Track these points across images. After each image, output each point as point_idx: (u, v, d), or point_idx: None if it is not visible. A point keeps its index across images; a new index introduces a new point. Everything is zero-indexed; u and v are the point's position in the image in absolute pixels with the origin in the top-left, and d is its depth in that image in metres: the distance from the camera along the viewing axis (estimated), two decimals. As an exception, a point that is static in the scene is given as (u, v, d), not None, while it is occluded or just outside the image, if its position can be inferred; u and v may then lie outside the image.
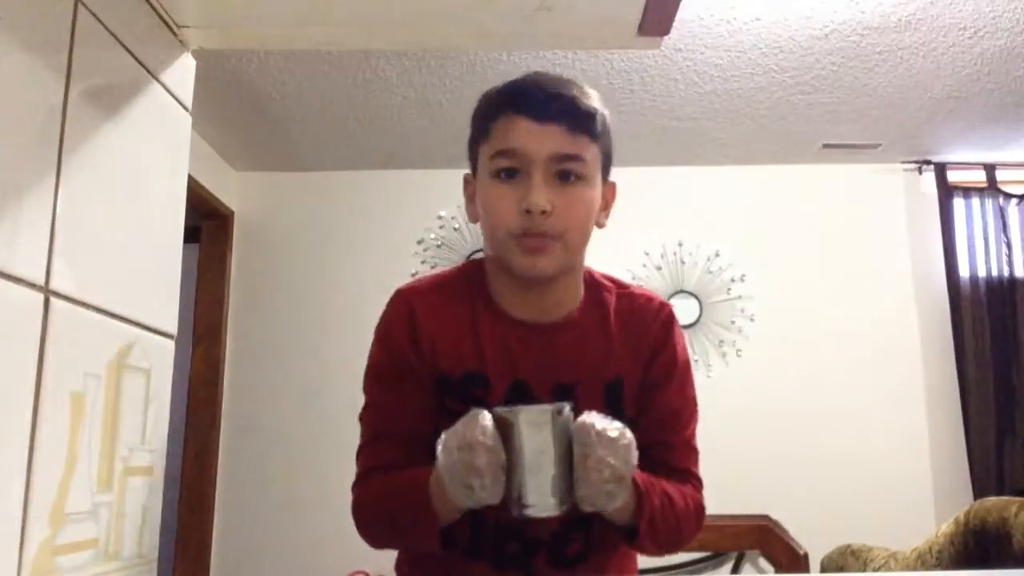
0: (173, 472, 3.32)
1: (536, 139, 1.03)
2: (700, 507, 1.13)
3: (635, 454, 0.90)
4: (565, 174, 1.04)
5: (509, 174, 1.04)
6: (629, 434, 0.90)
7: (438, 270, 1.22)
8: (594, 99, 1.07)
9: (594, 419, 0.89)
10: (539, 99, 1.03)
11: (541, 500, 0.87)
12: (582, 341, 1.11)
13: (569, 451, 0.88)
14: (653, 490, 1.02)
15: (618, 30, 0.78)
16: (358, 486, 1.10)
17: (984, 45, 2.78)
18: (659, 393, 1.13)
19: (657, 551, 1.07)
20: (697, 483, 1.14)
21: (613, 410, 1.01)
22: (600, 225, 1.12)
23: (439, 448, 0.90)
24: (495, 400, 1.06)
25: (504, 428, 0.87)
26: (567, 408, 0.89)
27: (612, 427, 0.89)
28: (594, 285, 1.16)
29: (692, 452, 1.16)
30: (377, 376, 1.13)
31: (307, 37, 0.91)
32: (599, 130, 1.06)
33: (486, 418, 0.88)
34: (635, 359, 1.12)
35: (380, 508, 1.07)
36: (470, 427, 0.87)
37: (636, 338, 1.13)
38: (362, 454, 1.12)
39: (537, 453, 0.87)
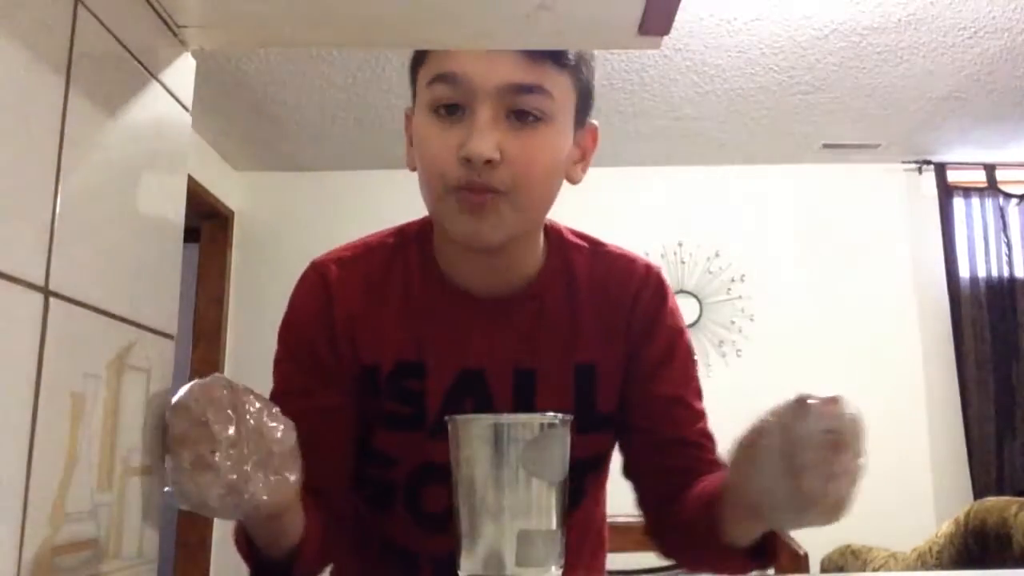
0: (173, 472, 3.32)
1: (483, 64, 0.79)
2: None
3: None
4: (521, 113, 0.80)
5: (450, 110, 0.81)
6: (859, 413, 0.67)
7: (369, 234, 0.98)
8: None
9: (816, 407, 0.68)
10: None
11: (518, 562, 0.55)
12: (544, 315, 0.89)
13: (563, 483, 0.59)
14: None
15: (618, 30, 0.78)
16: None
17: (984, 45, 2.78)
18: (660, 379, 0.90)
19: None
20: None
21: (584, 402, 0.86)
22: (573, 180, 0.89)
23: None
24: (436, 397, 0.86)
25: (461, 451, 0.59)
26: (562, 420, 0.60)
27: (838, 415, 0.67)
28: (561, 245, 0.93)
29: (713, 441, 0.93)
30: (288, 360, 0.93)
31: (307, 37, 0.91)
32: (572, 56, 0.83)
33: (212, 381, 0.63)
34: (611, 337, 0.89)
35: None
36: (195, 391, 0.63)
37: (612, 309, 0.90)
38: None
39: (514, 487, 0.57)
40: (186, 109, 0.85)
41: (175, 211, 0.83)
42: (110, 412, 0.67)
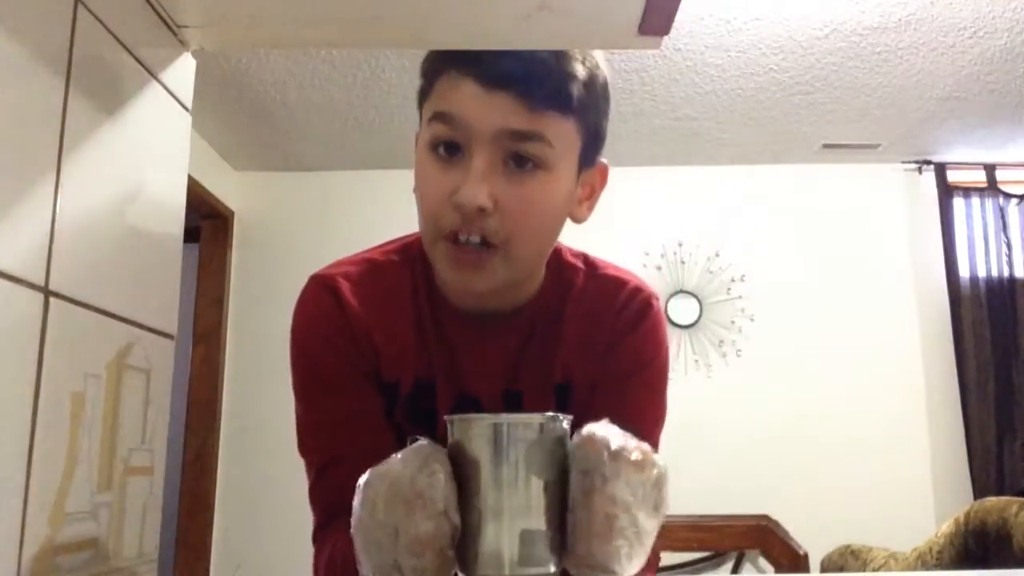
0: (173, 472, 3.32)
1: (482, 108, 0.76)
2: (658, 559, 0.85)
3: (667, 493, 0.58)
4: (520, 159, 0.77)
5: (449, 149, 0.79)
6: (661, 462, 0.58)
7: (367, 249, 0.96)
8: (575, 60, 0.80)
9: (607, 433, 0.57)
10: (492, 57, 0.76)
11: (519, 562, 0.55)
12: (532, 337, 0.87)
13: (563, 483, 0.57)
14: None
15: (618, 30, 0.78)
16: (316, 540, 0.85)
17: (984, 45, 2.78)
18: (612, 389, 0.86)
19: None
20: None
21: None
22: (578, 219, 0.86)
23: (356, 497, 0.57)
24: (443, 416, 0.84)
25: (461, 451, 0.57)
26: (563, 420, 0.58)
27: (632, 446, 0.57)
28: (559, 266, 0.90)
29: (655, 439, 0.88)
30: (308, 385, 0.87)
31: (307, 37, 0.91)
32: (577, 101, 0.79)
33: (437, 457, 0.56)
34: (587, 355, 0.86)
35: None
36: (409, 469, 0.55)
37: (592, 329, 0.87)
38: (312, 496, 0.86)
39: (514, 487, 0.55)
40: (186, 109, 0.85)
41: (175, 211, 0.83)
42: (110, 412, 0.67)
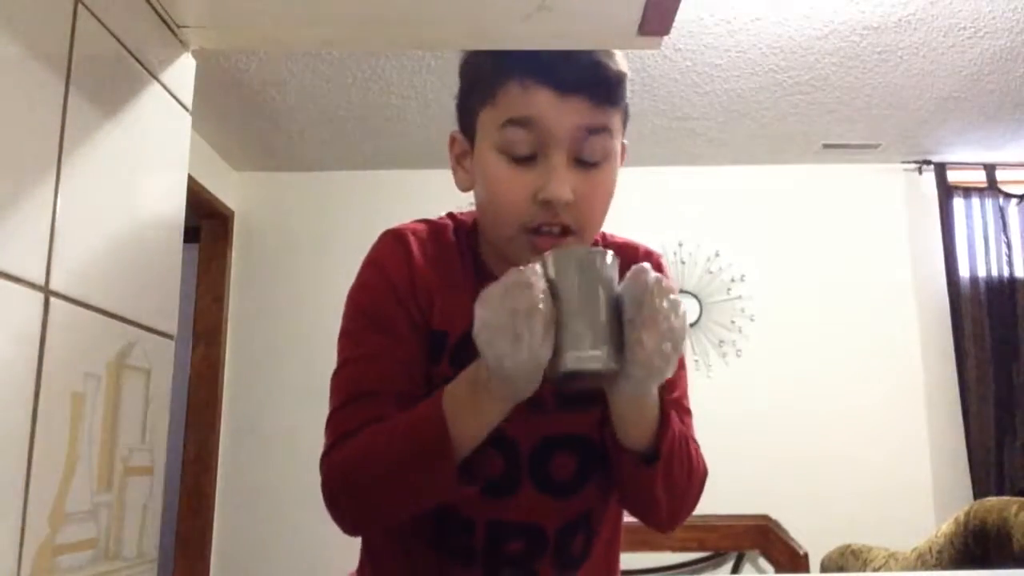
0: (173, 472, 3.33)
1: (559, 112, 0.85)
2: (705, 468, 0.96)
3: (686, 321, 0.75)
4: (588, 154, 0.88)
5: (521, 154, 0.87)
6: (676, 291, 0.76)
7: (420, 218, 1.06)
8: (619, 57, 0.90)
9: (649, 270, 0.74)
10: (560, 61, 0.85)
11: (585, 347, 0.72)
12: None
13: (616, 304, 0.74)
14: (671, 415, 0.87)
15: (618, 30, 0.78)
16: (331, 452, 0.91)
17: (984, 45, 2.78)
18: None
19: (667, 500, 0.89)
20: (696, 445, 0.96)
21: None
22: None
23: (477, 306, 0.73)
24: None
25: (554, 271, 0.75)
26: (611, 255, 0.76)
27: (667, 281, 0.75)
28: None
29: (687, 414, 0.98)
30: (364, 324, 0.95)
31: (307, 37, 0.91)
32: (625, 94, 0.91)
33: (531, 265, 0.74)
34: None
35: (371, 463, 0.87)
36: (514, 272, 0.73)
37: None
38: (337, 417, 0.93)
39: (586, 297, 0.73)
40: (186, 109, 0.85)
41: (175, 211, 0.83)
42: (110, 412, 0.67)
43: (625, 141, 0.97)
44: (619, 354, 0.73)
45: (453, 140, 0.97)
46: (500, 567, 0.94)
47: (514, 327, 0.70)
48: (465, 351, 0.90)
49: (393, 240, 0.98)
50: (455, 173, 0.98)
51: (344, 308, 0.98)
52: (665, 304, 0.72)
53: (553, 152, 0.86)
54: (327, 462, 0.92)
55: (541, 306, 0.71)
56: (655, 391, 0.82)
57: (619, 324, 0.74)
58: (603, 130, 0.88)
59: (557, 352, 0.72)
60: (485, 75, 0.90)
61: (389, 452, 0.85)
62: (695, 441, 0.95)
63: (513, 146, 0.87)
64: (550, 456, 0.93)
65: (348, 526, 0.92)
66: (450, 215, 1.04)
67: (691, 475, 0.92)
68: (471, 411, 0.80)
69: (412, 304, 0.93)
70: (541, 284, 0.72)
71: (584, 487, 0.95)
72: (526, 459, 0.93)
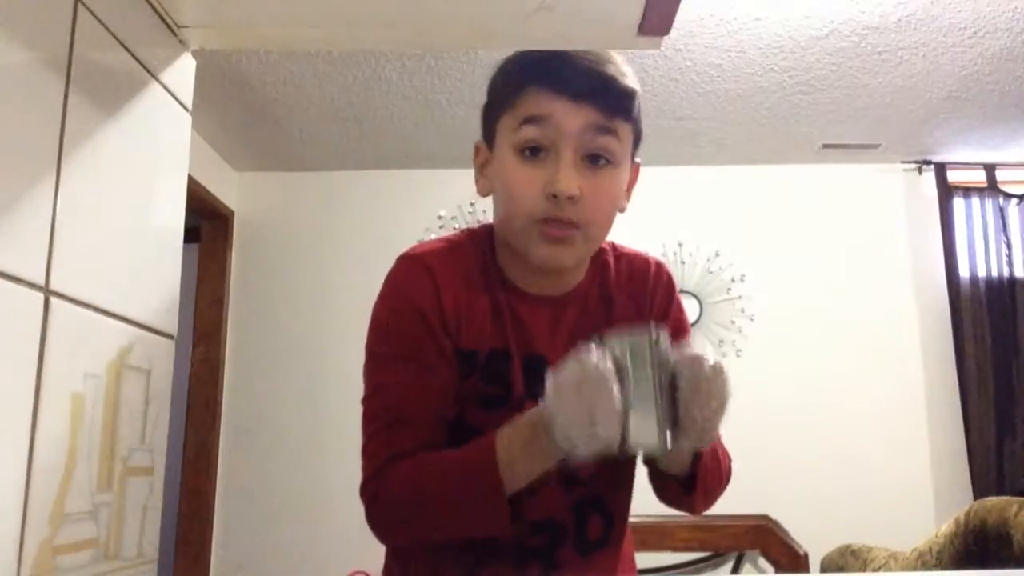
0: (173, 472, 3.33)
1: (571, 113, 0.94)
2: (729, 459, 1.06)
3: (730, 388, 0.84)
4: (595, 157, 0.96)
5: (534, 152, 0.96)
6: (725, 368, 0.84)
7: (436, 238, 1.10)
8: (631, 77, 0.99)
9: (695, 349, 0.83)
10: (575, 74, 0.95)
11: (648, 435, 0.80)
12: (587, 312, 1.05)
13: (672, 380, 0.81)
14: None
15: (618, 30, 0.78)
16: (380, 478, 0.94)
17: (984, 45, 2.78)
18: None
19: (703, 502, 1.00)
20: (719, 443, 1.04)
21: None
22: (622, 209, 1.04)
23: (549, 388, 0.81)
24: (517, 378, 1.00)
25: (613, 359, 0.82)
26: (663, 336, 0.82)
27: (712, 357, 0.83)
28: (598, 251, 1.09)
29: None
30: (394, 352, 0.99)
31: (307, 37, 0.91)
32: (635, 110, 1.00)
33: (600, 351, 0.81)
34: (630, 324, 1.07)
35: (422, 494, 0.92)
36: (588, 361, 0.79)
37: (638, 303, 1.08)
38: (376, 442, 0.96)
39: (651, 386, 0.80)
40: (186, 109, 0.85)
41: (175, 211, 0.83)
42: (110, 412, 0.67)
43: (638, 159, 1.05)
44: (674, 429, 0.81)
45: (477, 149, 1.06)
46: (526, 559, 1.00)
47: (591, 421, 0.78)
48: (494, 366, 1.00)
49: (415, 266, 1.02)
50: (477, 180, 1.06)
51: (369, 327, 1.03)
52: (718, 383, 0.81)
53: (563, 149, 0.94)
54: (372, 488, 0.96)
55: (617, 406, 0.78)
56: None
57: (673, 399, 0.82)
58: (609, 132, 0.96)
59: (623, 439, 0.80)
60: (507, 85, 1.00)
61: (442, 493, 0.91)
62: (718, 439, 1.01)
63: (527, 142, 0.95)
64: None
65: (390, 544, 1.00)
66: (465, 231, 1.10)
67: (720, 477, 1.02)
68: (524, 463, 0.89)
69: (440, 330, 0.98)
70: (614, 379, 0.79)
71: (598, 477, 1.02)
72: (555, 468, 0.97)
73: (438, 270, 1.00)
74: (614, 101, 0.97)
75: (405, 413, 0.96)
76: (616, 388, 0.78)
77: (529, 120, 0.95)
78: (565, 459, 0.86)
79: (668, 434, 0.81)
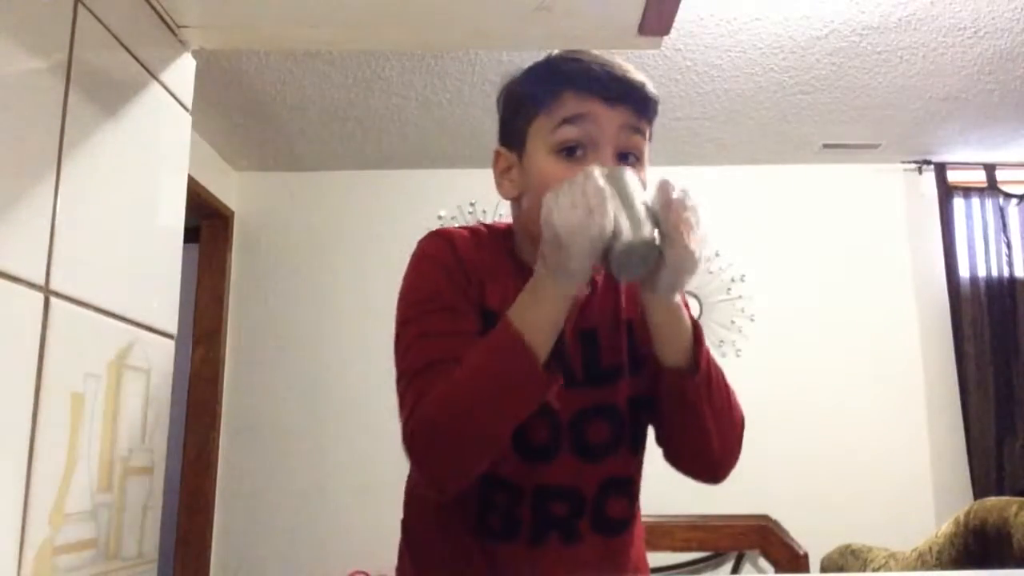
0: (173, 472, 3.33)
1: (607, 113, 1.02)
2: (742, 411, 1.11)
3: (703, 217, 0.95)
4: (625, 155, 1.04)
5: (571, 151, 1.02)
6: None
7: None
8: (649, 83, 1.08)
9: (672, 183, 0.93)
10: (609, 78, 1.02)
11: (635, 226, 0.88)
12: (598, 292, 1.12)
13: (653, 206, 0.92)
14: (703, 336, 1.00)
15: (618, 30, 0.78)
16: (415, 411, 0.96)
17: (984, 45, 2.78)
18: None
19: (715, 427, 1.02)
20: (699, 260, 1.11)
21: (633, 350, 1.08)
22: None
23: (544, 201, 0.90)
24: None
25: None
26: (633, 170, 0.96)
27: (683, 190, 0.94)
28: None
29: None
30: (425, 309, 1.03)
31: (307, 37, 0.91)
32: (655, 116, 1.10)
33: (586, 168, 0.91)
34: (636, 302, 1.14)
35: (455, 392, 0.94)
36: (577, 175, 0.90)
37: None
38: (411, 390, 0.98)
39: (634, 195, 0.91)
40: (186, 109, 0.85)
41: (175, 211, 0.83)
42: (110, 412, 0.67)
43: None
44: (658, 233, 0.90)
45: (498, 155, 1.11)
46: (547, 530, 1.04)
47: (587, 204, 0.87)
48: None
49: (437, 237, 1.09)
50: (500, 184, 1.11)
51: (398, 306, 1.06)
52: (689, 203, 0.93)
53: (603, 145, 1.02)
54: (413, 419, 0.96)
55: (606, 193, 0.88)
56: (686, 314, 0.98)
57: (656, 220, 0.91)
58: (639, 132, 1.05)
59: (615, 235, 0.88)
60: (539, 91, 1.05)
61: (474, 377, 0.94)
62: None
63: (566, 142, 1.01)
64: (587, 423, 1.05)
65: (441, 476, 0.97)
66: (482, 224, 1.15)
67: (732, 406, 1.06)
68: (533, 308, 0.93)
69: (464, 283, 1.04)
70: (602, 174, 0.89)
71: (617, 450, 1.07)
72: (566, 427, 1.04)
73: (460, 243, 1.07)
74: (643, 104, 1.05)
75: (443, 355, 0.98)
76: (603, 180, 0.88)
77: (568, 120, 1.01)
78: (572, 298, 0.94)
79: (655, 232, 0.89)
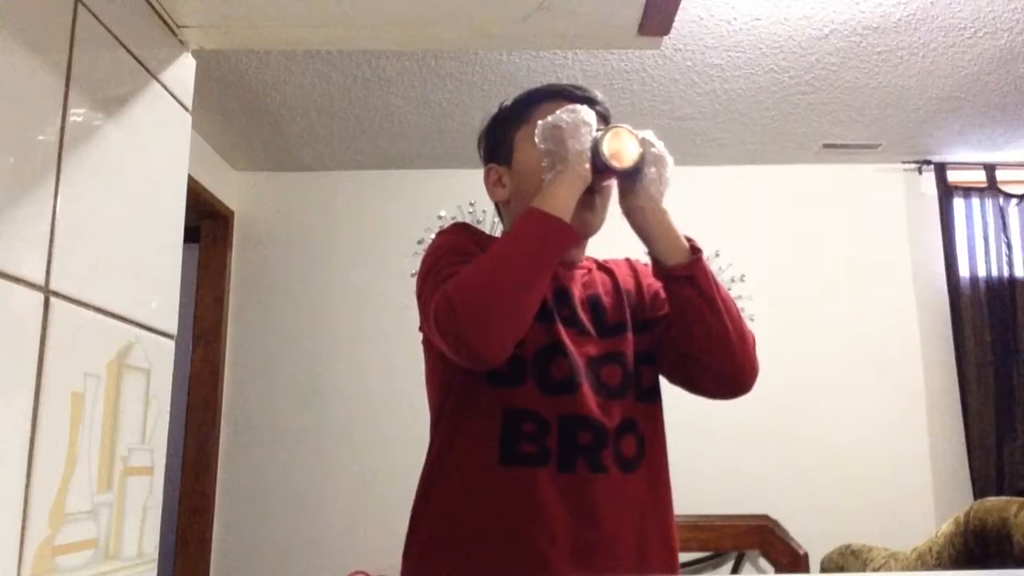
0: (173, 472, 3.32)
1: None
2: (751, 329, 1.26)
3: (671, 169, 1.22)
4: None
5: None
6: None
7: None
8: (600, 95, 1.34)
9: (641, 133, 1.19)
10: (573, 87, 1.30)
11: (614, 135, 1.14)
12: (595, 274, 1.34)
13: None
14: (696, 243, 1.21)
15: (618, 30, 0.78)
16: (442, 289, 1.10)
17: (984, 45, 2.78)
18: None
19: (732, 326, 1.18)
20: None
21: (637, 310, 1.29)
22: None
23: (540, 123, 1.17)
24: (549, 298, 1.23)
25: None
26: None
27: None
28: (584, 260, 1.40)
29: None
30: (444, 260, 1.18)
31: (307, 37, 0.91)
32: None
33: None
34: (634, 279, 1.37)
35: (484, 263, 1.11)
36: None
37: (632, 269, 1.39)
38: (437, 286, 1.14)
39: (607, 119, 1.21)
40: (186, 109, 0.85)
41: (175, 211, 0.83)
42: (110, 412, 0.67)
43: None
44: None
45: (489, 171, 1.34)
46: (574, 457, 1.15)
47: (575, 123, 1.13)
48: None
49: (454, 224, 1.32)
50: (494, 192, 1.33)
51: (418, 278, 1.22)
52: (650, 134, 1.19)
53: None
54: (437, 296, 1.09)
55: (591, 111, 1.16)
56: (668, 216, 1.20)
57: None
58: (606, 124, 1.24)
59: (600, 130, 1.15)
60: (518, 109, 1.31)
61: (499, 248, 1.13)
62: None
63: None
64: (601, 367, 1.22)
65: (475, 337, 1.06)
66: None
67: (739, 312, 1.22)
68: (549, 193, 1.13)
69: (488, 243, 1.21)
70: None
71: (627, 393, 1.22)
72: (583, 369, 1.20)
73: (473, 229, 1.30)
74: (604, 105, 1.30)
75: (457, 270, 1.13)
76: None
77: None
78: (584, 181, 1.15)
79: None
